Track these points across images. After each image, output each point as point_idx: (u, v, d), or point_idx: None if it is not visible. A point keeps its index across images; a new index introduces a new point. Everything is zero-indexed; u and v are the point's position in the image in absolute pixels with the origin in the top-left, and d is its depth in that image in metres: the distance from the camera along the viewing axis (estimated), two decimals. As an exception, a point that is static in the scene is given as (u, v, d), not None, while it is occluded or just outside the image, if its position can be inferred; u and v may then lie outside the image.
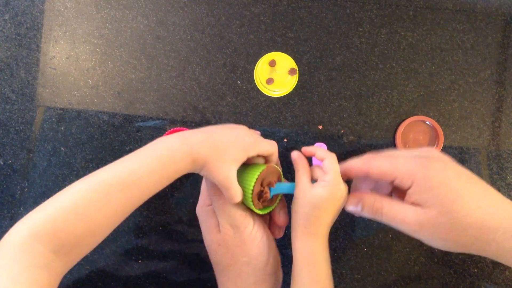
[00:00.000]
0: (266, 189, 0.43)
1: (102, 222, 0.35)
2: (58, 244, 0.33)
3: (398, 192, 0.43)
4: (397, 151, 0.42)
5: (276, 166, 0.46)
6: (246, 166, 0.46)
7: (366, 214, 0.40)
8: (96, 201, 0.35)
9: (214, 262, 0.45)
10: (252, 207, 0.43)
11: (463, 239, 0.35)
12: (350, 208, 0.42)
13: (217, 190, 0.43)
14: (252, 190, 0.42)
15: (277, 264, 0.45)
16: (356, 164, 0.41)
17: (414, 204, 0.36)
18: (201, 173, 0.41)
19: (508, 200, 0.36)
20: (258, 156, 0.45)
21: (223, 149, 0.40)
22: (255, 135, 0.45)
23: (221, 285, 0.45)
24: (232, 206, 0.42)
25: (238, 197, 0.41)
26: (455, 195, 0.35)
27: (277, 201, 0.46)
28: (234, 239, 0.43)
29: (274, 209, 0.47)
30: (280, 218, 0.46)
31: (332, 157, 0.43)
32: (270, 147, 0.44)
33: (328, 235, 0.43)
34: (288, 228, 0.45)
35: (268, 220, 0.49)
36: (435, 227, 0.35)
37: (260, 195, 0.43)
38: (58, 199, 0.35)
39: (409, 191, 0.36)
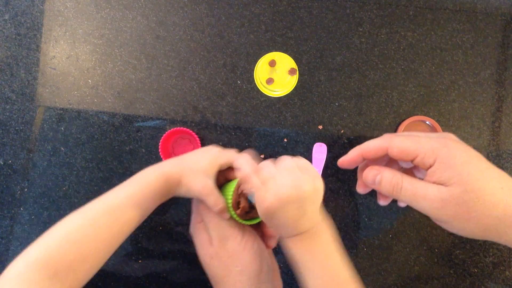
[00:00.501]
0: (242, 199, 0.44)
1: (92, 247, 0.38)
2: (52, 270, 0.35)
3: (410, 175, 0.42)
4: (416, 132, 0.40)
5: None
6: (228, 181, 0.48)
7: (384, 188, 0.38)
8: (84, 226, 0.38)
9: (210, 276, 0.46)
10: (236, 217, 0.44)
11: (486, 220, 0.33)
12: (370, 179, 0.39)
13: (205, 205, 0.45)
14: (231, 199, 0.43)
15: (272, 272, 0.45)
16: (376, 143, 0.39)
17: (436, 183, 0.35)
18: (182, 192, 0.44)
19: None
20: (232, 168, 0.48)
21: (194, 163, 0.44)
22: (224, 149, 0.49)
23: None
24: (221, 218, 0.44)
25: (220, 202, 0.43)
26: (480, 174, 0.33)
27: None
28: (225, 250, 0.44)
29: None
30: (268, 228, 0.47)
31: (243, 164, 0.43)
32: (237, 156, 0.47)
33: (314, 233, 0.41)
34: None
35: (260, 232, 0.49)
36: (459, 205, 0.33)
37: (239, 205, 0.44)
38: (51, 230, 0.38)
39: (431, 170, 0.35)
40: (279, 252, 0.57)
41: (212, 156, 0.46)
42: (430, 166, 0.35)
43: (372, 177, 0.39)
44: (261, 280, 0.43)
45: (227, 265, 0.43)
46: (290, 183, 0.38)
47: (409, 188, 0.36)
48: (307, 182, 0.39)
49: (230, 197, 0.44)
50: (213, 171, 0.45)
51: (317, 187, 0.40)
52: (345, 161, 0.41)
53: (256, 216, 0.45)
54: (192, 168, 0.44)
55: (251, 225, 0.47)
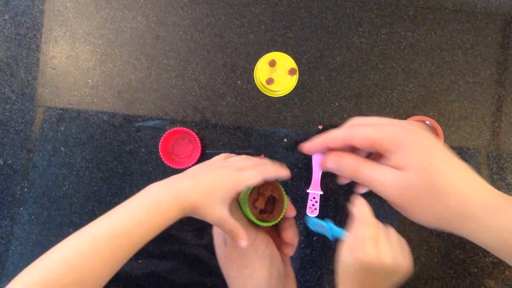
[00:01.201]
0: (261, 198, 0.45)
1: (92, 273, 0.36)
2: None
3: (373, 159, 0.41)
4: (380, 118, 0.39)
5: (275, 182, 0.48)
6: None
7: (344, 173, 0.38)
8: (85, 252, 0.36)
9: (225, 276, 0.47)
10: (251, 216, 0.44)
11: (442, 209, 0.33)
12: (329, 165, 0.39)
13: None
14: (249, 196, 0.44)
15: (284, 279, 0.45)
16: (339, 133, 0.38)
17: (395, 167, 0.35)
18: (194, 216, 0.42)
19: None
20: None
21: (211, 192, 0.41)
22: (241, 165, 0.45)
23: None
24: (236, 221, 0.44)
25: (235, 229, 0.42)
26: (439, 162, 0.33)
27: (280, 216, 0.46)
28: (237, 252, 0.44)
29: (282, 226, 0.48)
30: (287, 235, 0.46)
31: (359, 211, 0.41)
32: (256, 177, 0.44)
33: None
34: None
35: (278, 240, 0.49)
36: (415, 192, 0.33)
37: (255, 203, 0.45)
38: (49, 253, 0.36)
39: (393, 156, 0.35)
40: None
41: (231, 183, 0.42)
42: (393, 153, 0.35)
43: (332, 162, 0.38)
44: (271, 286, 0.43)
45: (238, 266, 0.44)
46: (401, 259, 0.38)
47: (367, 174, 0.36)
48: (409, 267, 0.39)
49: (245, 195, 0.45)
50: (230, 199, 0.43)
51: (407, 275, 0.39)
52: (308, 147, 0.40)
53: (271, 220, 0.46)
54: (209, 198, 0.41)
55: (270, 233, 0.48)
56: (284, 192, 0.47)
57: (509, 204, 0.32)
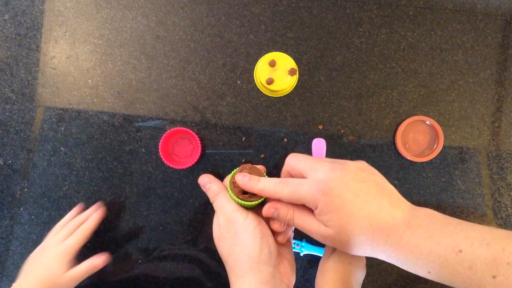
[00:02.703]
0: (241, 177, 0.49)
1: None
2: None
3: None
4: (308, 159, 0.46)
5: (256, 166, 0.51)
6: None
7: (282, 220, 0.47)
8: None
9: (221, 257, 0.50)
10: (233, 196, 0.48)
11: (361, 251, 0.42)
12: (269, 214, 0.47)
13: (214, 195, 0.50)
14: (230, 179, 0.49)
15: (272, 256, 0.47)
16: (270, 188, 0.46)
17: (320, 221, 0.43)
18: None
19: (402, 199, 0.42)
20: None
21: (50, 278, 0.54)
22: (59, 237, 0.57)
23: (229, 280, 0.49)
24: (226, 204, 0.49)
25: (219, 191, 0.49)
26: (350, 217, 0.41)
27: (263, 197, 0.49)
28: (229, 231, 0.48)
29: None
30: (274, 224, 0.50)
31: None
32: (76, 239, 0.56)
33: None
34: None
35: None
36: (334, 242, 0.42)
37: (236, 185, 0.49)
38: None
39: (316, 212, 0.43)
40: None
41: (58, 259, 0.54)
42: (314, 210, 0.43)
43: (272, 213, 0.47)
44: (260, 261, 0.46)
45: (230, 245, 0.47)
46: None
47: (299, 223, 0.45)
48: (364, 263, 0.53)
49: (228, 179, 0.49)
50: (69, 263, 0.55)
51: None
52: (240, 180, 0.49)
53: (255, 200, 0.48)
54: (53, 282, 0.53)
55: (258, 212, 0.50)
56: (265, 174, 0.50)
57: (419, 220, 0.39)
